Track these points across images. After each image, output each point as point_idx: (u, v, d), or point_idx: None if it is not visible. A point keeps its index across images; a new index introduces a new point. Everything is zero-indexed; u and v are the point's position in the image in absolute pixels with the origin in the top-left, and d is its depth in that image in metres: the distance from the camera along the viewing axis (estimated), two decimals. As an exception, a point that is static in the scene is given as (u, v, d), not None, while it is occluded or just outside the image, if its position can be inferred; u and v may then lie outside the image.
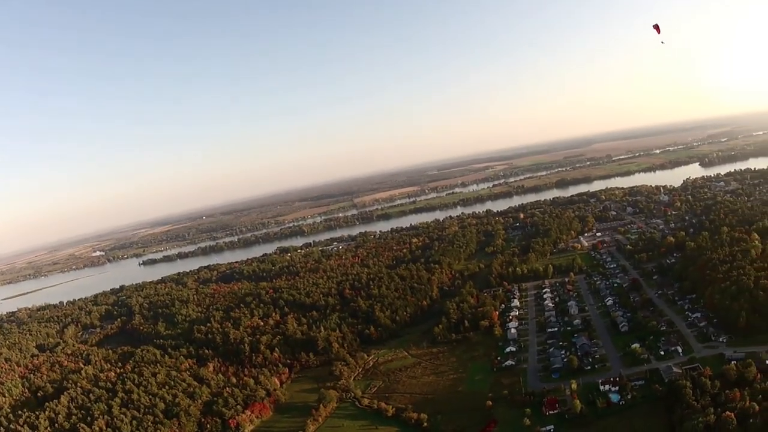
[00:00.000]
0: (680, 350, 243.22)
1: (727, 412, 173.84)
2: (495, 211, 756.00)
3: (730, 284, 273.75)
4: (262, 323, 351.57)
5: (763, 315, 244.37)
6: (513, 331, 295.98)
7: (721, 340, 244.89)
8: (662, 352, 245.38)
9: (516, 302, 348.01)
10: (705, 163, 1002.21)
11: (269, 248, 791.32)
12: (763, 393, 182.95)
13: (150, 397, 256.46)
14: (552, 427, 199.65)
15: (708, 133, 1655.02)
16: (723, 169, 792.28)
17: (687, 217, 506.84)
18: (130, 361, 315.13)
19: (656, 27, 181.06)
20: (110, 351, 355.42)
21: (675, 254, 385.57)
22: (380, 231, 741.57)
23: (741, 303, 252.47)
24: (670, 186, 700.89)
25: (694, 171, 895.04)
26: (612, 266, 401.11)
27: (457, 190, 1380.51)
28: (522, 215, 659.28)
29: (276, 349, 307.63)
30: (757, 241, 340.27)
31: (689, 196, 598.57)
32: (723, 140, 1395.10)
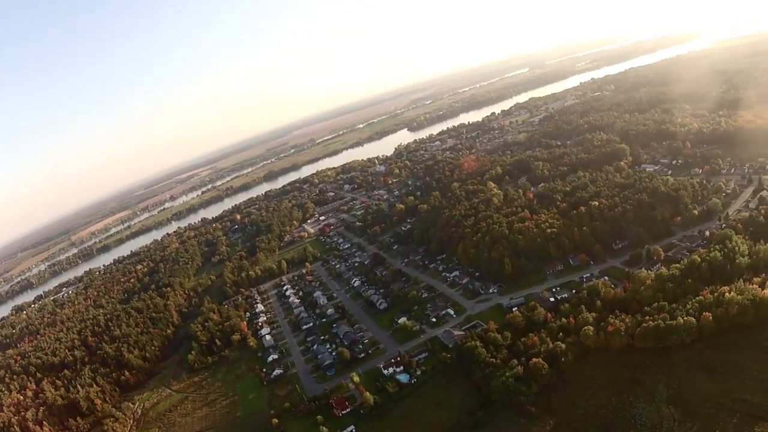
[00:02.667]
0: (452, 312, 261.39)
1: (534, 359, 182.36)
2: (210, 218, 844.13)
3: (483, 235, 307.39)
4: (21, 397, 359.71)
5: (528, 256, 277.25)
6: (268, 337, 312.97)
7: (491, 291, 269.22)
8: (434, 319, 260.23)
9: (260, 306, 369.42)
10: (413, 128, 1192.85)
11: (5, 310, 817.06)
12: (561, 329, 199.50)
13: None
14: (352, 427, 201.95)
15: (410, 99, 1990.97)
16: (435, 130, 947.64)
17: (410, 182, 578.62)
18: None
19: None
20: None
21: (409, 220, 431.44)
22: (104, 265, 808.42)
23: (500, 251, 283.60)
24: (383, 156, 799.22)
25: (405, 137, 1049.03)
26: (346, 246, 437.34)
27: (167, 205, 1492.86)
28: (239, 216, 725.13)
29: (44, 422, 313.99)
30: (495, 189, 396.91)
31: (406, 161, 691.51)
32: (428, 102, 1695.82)
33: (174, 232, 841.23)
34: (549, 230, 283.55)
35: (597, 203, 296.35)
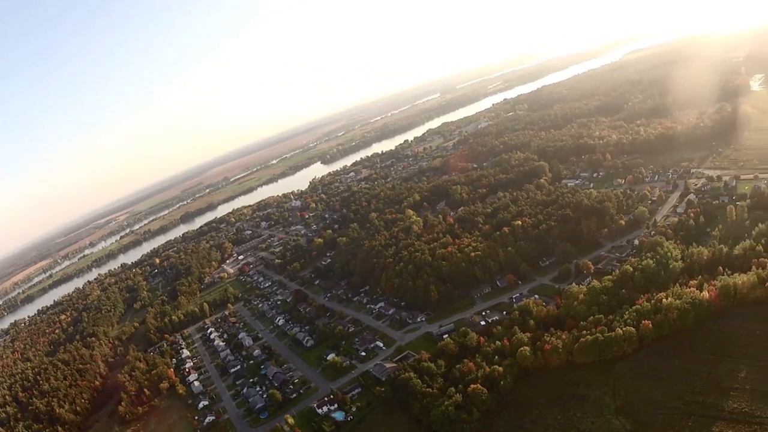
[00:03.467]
0: (381, 344, 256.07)
1: (473, 385, 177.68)
2: (130, 263, 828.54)
3: (405, 264, 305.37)
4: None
5: (454, 282, 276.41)
6: (197, 384, 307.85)
7: (419, 320, 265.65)
8: (363, 353, 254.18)
9: (186, 352, 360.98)
10: (327, 160, 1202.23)
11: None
12: (497, 353, 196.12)
13: None
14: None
15: (321, 132, 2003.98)
16: (348, 161, 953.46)
17: (327, 215, 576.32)
18: None
19: None
20: None
21: (329, 254, 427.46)
22: (28, 316, 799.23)
23: (425, 278, 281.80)
24: (299, 190, 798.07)
25: (319, 170, 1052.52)
26: (267, 285, 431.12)
27: (87, 252, 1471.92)
28: (158, 260, 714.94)
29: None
30: (414, 216, 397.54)
31: (322, 195, 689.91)
32: (340, 134, 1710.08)
33: (95, 279, 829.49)
34: (473, 254, 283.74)
35: (520, 222, 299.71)
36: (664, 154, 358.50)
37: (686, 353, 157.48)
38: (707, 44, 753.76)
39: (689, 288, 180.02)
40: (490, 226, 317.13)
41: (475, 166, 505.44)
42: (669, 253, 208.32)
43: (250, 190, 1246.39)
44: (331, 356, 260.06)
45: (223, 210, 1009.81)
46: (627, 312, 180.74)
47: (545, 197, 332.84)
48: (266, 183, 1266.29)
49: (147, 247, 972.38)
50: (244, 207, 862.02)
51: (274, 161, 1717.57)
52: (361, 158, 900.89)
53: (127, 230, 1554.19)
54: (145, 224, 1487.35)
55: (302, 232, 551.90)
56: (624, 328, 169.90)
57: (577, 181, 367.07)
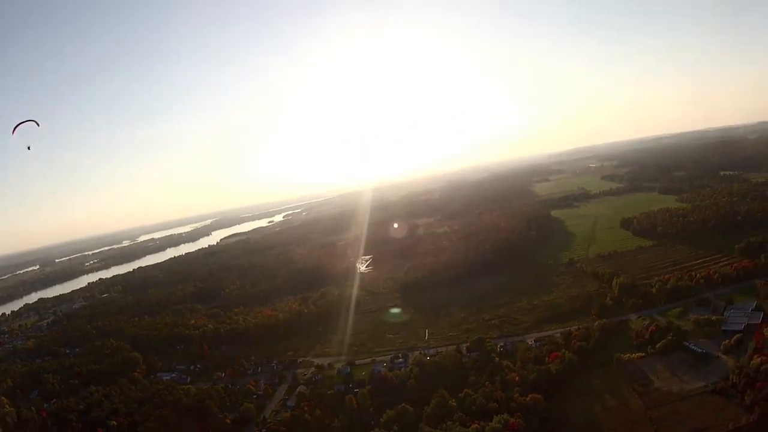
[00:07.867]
0: None
1: None
2: None
3: None
4: None
5: None
6: None
7: None
8: None
9: None
10: None
11: None
12: None
13: None
14: None
15: None
16: None
17: None
18: None
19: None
20: None
21: None
22: None
23: None
24: None
25: None
26: None
27: None
28: None
29: None
30: (8, 406, 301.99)
31: None
32: None
33: None
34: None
35: (116, 423, 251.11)
36: (267, 344, 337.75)
37: None
38: (311, 228, 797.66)
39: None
40: (84, 425, 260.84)
41: (69, 351, 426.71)
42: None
43: None
44: None
45: None
46: None
47: (140, 393, 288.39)
48: None
49: None
50: None
51: None
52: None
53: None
54: None
55: None
56: None
57: (173, 374, 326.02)
